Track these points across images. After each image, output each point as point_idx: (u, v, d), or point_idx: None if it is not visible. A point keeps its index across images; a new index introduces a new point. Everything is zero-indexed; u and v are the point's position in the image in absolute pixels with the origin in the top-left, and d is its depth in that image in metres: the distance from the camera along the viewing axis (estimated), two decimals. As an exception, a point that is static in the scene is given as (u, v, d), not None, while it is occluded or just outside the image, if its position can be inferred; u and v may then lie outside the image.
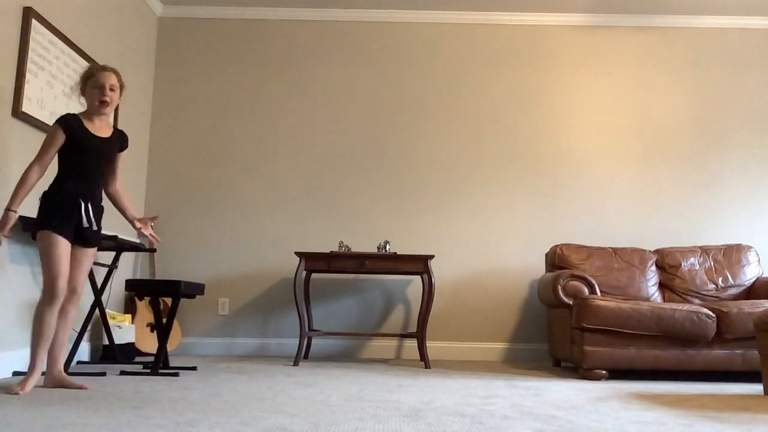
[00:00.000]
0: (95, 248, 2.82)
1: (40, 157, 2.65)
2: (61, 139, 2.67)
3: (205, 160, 4.89)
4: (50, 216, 2.63)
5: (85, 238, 2.73)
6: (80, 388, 2.70)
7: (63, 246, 2.62)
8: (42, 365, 2.67)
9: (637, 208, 4.85)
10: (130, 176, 4.59)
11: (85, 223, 2.68)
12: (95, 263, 3.65)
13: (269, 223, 4.84)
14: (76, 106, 3.75)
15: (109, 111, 2.80)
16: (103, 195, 2.89)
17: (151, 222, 2.95)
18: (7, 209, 2.62)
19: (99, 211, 2.80)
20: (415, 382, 3.26)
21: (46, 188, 2.74)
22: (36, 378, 2.65)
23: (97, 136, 2.74)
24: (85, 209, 2.69)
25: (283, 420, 2.09)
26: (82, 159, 2.70)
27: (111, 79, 2.77)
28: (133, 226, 2.93)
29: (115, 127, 2.94)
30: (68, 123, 2.69)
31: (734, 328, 3.58)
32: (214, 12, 5.03)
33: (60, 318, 2.74)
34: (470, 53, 5.03)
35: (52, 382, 2.76)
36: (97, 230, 2.78)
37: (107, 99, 2.74)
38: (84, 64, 3.84)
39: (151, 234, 2.95)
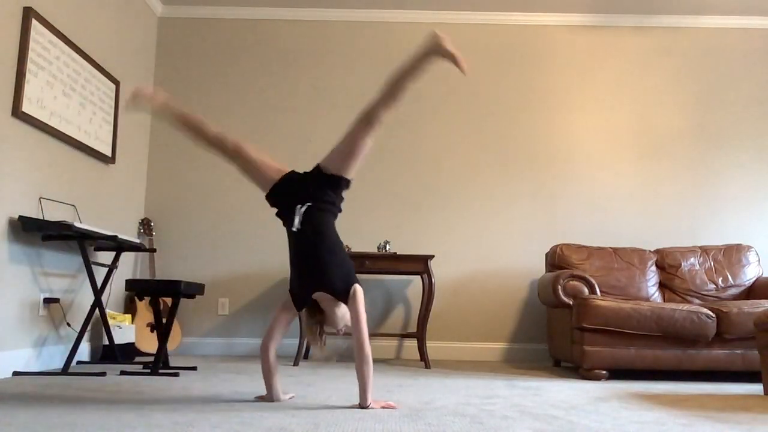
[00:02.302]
0: None
1: None
2: None
3: (205, 159, 4.89)
4: None
5: None
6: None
7: None
8: None
9: (637, 208, 4.85)
10: (130, 176, 4.59)
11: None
12: (95, 263, 3.65)
13: (269, 223, 4.83)
14: (76, 106, 3.76)
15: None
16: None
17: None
18: None
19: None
20: (415, 382, 3.26)
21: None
22: None
23: None
24: None
25: (283, 420, 2.09)
26: None
27: None
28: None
29: None
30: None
31: (734, 328, 3.58)
32: (214, 12, 5.03)
33: None
34: (470, 53, 5.03)
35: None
36: None
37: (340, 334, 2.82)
38: (84, 65, 3.84)
39: None
